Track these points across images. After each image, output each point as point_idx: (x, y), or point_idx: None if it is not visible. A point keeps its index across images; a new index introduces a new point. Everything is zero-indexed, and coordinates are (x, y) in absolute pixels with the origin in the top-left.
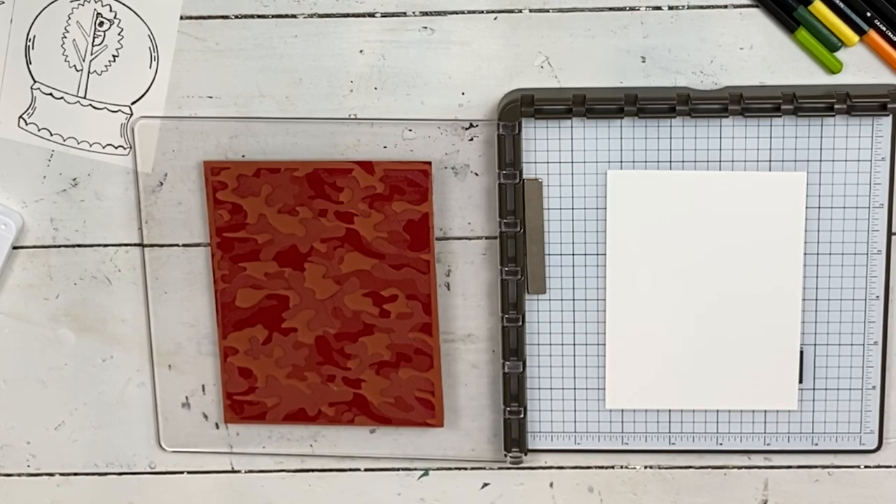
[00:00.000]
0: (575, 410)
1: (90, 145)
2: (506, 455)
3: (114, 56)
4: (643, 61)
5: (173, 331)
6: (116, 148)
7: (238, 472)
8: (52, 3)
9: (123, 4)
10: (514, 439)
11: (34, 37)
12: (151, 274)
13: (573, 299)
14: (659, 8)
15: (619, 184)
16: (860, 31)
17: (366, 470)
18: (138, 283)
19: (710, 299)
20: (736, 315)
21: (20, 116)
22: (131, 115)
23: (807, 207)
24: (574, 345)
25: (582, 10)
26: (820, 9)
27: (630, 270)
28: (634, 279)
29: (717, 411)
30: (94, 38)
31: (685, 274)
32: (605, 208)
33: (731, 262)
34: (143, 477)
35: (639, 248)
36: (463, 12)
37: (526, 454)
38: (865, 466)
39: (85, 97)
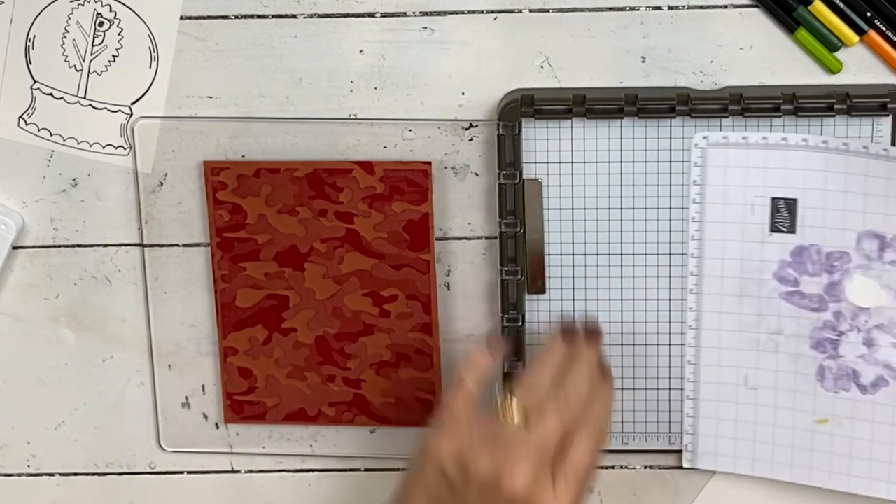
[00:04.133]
0: None
1: (90, 145)
2: None
3: (114, 56)
4: (643, 61)
5: (173, 331)
6: (116, 148)
7: (238, 472)
8: (52, 3)
9: (123, 4)
10: None
11: (34, 37)
12: (151, 274)
13: (573, 299)
14: (659, 8)
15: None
16: (860, 31)
17: (366, 470)
18: (138, 283)
19: None
20: None
21: (20, 116)
22: (131, 115)
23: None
24: None
25: (582, 10)
26: (820, 9)
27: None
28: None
29: None
30: (94, 38)
31: None
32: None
33: None
34: (143, 477)
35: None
36: (463, 12)
37: None
38: None
39: (85, 97)
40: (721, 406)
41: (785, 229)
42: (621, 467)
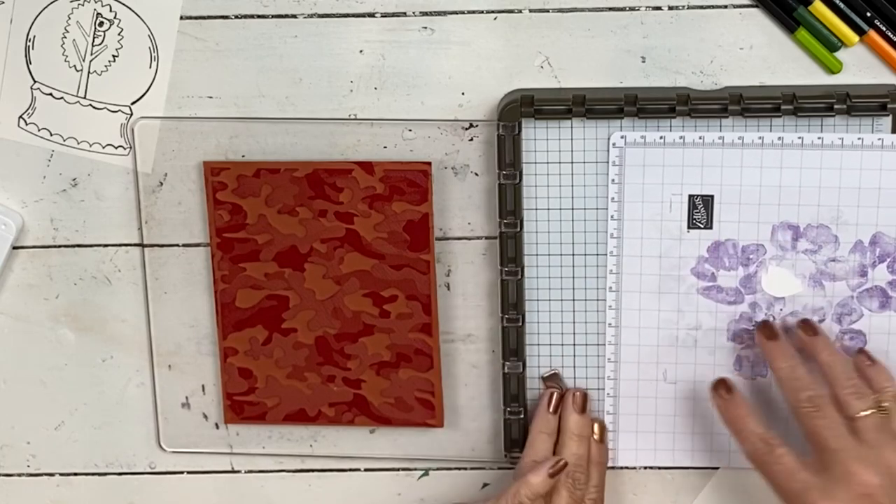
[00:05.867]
0: None
1: (90, 145)
2: (506, 455)
3: (114, 56)
4: (643, 61)
5: (173, 331)
6: (116, 148)
7: (238, 472)
8: (52, 3)
9: (123, 4)
10: (514, 439)
11: (34, 37)
12: (151, 274)
13: (573, 299)
14: (659, 8)
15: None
16: (860, 31)
17: (366, 470)
18: (138, 283)
19: None
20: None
21: (20, 116)
22: (131, 115)
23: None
24: (574, 345)
25: (582, 10)
26: (820, 9)
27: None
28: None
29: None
30: (94, 38)
31: None
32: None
33: None
34: (143, 477)
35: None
36: (463, 12)
37: None
38: None
39: (85, 97)
40: (641, 402)
41: (702, 226)
42: (621, 467)
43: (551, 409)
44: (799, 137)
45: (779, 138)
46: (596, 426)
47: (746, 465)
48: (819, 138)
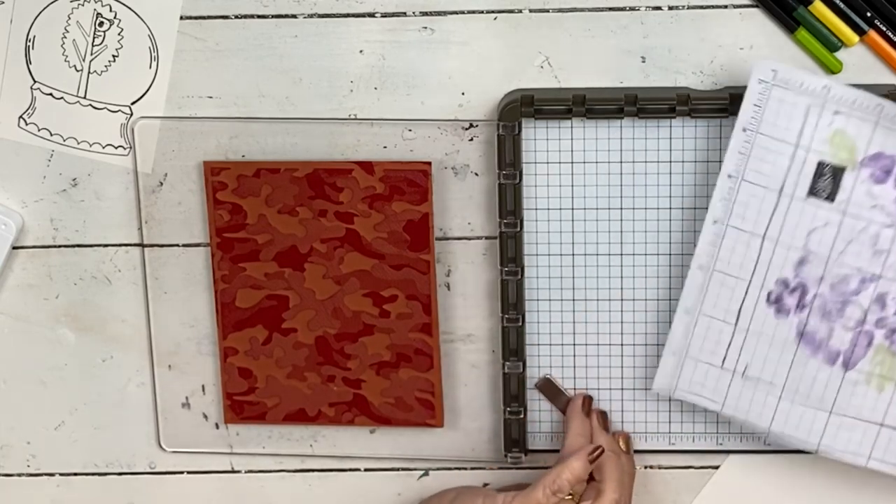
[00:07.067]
0: None
1: (90, 145)
2: (506, 455)
3: (114, 56)
4: (643, 61)
5: (173, 331)
6: (116, 148)
7: (238, 472)
8: (52, 3)
9: (123, 4)
10: (514, 439)
11: (34, 37)
12: (151, 274)
13: (573, 299)
14: (659, 8)
15: None
16: (860, 31)
17: (366, 470)
18: (138, 283)
19: None
20: None
21: (20, 116)
22: (131, 115)
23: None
24: (574, 345)
25: (582, 10)
26: (820, 9)
27: None
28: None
29: (718, 411)
30: (94, 38)
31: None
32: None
33: None
34: (143, 477)
35: None
36: (463, 12)
37: (526, 454)
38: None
39: (85, 97)
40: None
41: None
42: None
43: (585, 412)
44: None
45: None
46: (621, 439)
47: (748, 461)
48: None
